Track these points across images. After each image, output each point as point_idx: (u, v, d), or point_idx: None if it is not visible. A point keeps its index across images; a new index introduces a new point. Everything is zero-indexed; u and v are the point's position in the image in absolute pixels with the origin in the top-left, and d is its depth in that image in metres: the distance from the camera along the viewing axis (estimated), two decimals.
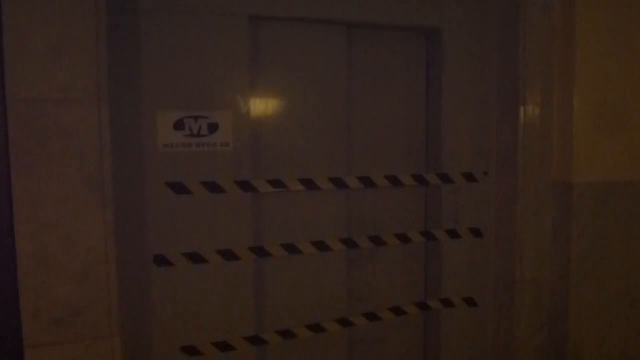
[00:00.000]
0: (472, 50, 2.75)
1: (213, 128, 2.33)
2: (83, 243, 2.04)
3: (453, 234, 2.78)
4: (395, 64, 2.72)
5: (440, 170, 2.74)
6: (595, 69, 2.77)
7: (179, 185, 2.30)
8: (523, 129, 2.75)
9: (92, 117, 1.98)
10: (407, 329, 2.89)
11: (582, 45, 2.71)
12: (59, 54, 1.90)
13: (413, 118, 2.78)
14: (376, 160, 2.70)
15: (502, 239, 2.85)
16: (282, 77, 2.49)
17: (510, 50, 2.73)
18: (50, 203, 1.95)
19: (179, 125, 2.29)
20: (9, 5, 1.86)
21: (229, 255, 2.39)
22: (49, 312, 2.02)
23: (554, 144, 2.79)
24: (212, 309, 2.41)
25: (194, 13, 2.27)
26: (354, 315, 2.69)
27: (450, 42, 2.70)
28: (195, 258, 2.35)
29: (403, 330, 2.87)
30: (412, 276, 2.87)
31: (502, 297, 2.89)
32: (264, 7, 2.36)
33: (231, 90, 2.34)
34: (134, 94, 2.22)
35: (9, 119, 1.90)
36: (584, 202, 2.78)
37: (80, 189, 1.98)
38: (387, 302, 2.79)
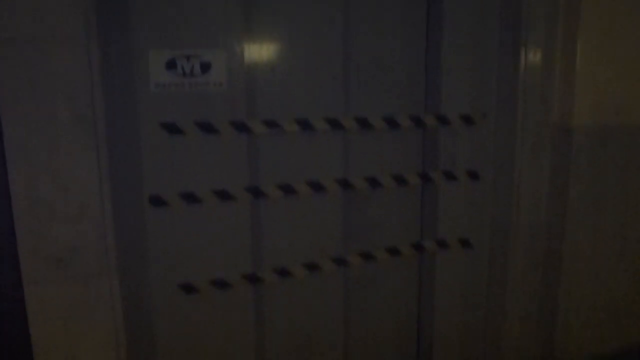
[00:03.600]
0: None
1: (205, 67, 2.29)
2: (77, 183, 2.05)
3: (450, 176, 2.77)
4: (394, 3, 2.64)
5: (438, 112, 2.71)
6: (600, 11, 2.68)
7: (173, 126, 2.28)
8: (524, 71, 2.70)
9: (81, 57, 1.95)
10: (402, 269, 2.93)
11: None
12: None
13: (412, 59, 2.72)
14: (373, 102, 2.66)
15: (499, 182, 2.85)
16: (277, 16, 2.42)
17: None
18: (41, 144, 1.96)
19: (171, 65, 2.25)
20: None
21: (224, 195, 2.40)
22: (46, 251, 2.06)
23: (555, 87, 2.74)
24: (209, 247, 2.44)
25: None
26: (350, 254, 2.73)
27: None
28: (191, 198, 2.36)
29: (398, 270, 2.91)
30: (408, 217, 2.88)
31: (498, 239, 2.91)
32: None
33: (224, 28, 2.29)
34: (125, 32, 2.17)
35: None
36: (583, 146, 2.76)
37: (71, 129, 1.98)
38: (383, 242, 2.82)
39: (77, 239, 2.09)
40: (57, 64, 1.93)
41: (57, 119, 1.96)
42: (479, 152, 2.82)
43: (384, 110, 2.67)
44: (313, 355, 2.78)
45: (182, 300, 2.43)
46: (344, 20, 2.52)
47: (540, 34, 2.67)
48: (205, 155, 2.36)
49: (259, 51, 2.41)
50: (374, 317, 2.93)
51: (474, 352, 3.07)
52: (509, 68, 2.73)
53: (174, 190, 2.34)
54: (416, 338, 3.09)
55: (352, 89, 2.61)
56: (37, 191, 1.99)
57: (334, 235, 2.68)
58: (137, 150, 2.27)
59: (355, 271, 2.80)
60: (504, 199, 2.83)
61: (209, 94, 2.32)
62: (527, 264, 2.91)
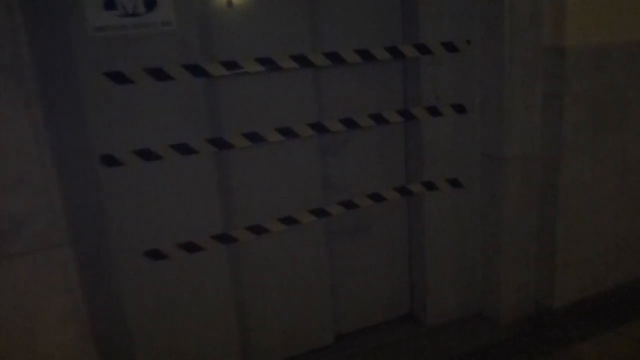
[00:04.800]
0: None
1: (150, 4, 2.01)
2: (10, 146, 1.79)
3: (434, 111, 2.53)
4: None
5: (417, 41, 2.44)
6: None
7: (119, 75, 2.01)
8: None
9: None
10: (389, 216, 2.72)
11: None
12: None
13: None
14: (344, 34, 2.39)
15: (488, 113, 2.62)
16: None
17: None
18: None
19: (109, 4, 1.97)
20: None
21: (185, 149, 2.16)
22: None
23: (545, 5, 2.47)
24: (173, 208, 2.21)
25: None
26: (330, 204, 2.51)
27: None
28: (148, 155, 2.12)
29: (384, 217, 2.71)
30: (391, 160, 2.66)
31: (489, 176, 2.70)
32: None
33: None
34: None
35: None
36: (578, 67, 2.52)
37: None
38: (365, 188, 2.61)
39: (19, 208, 1.85)
40: None
41: None
42: (464, 83, 2.58)
43: (357, 42, 2.40)
44: (299, 316, 2.59)
45: (150, 268, 2.22)
46: None
47: None
48: (160, 105, 2.10)
49: None
50: (362, 270, 2.74)
51: (471, 298, 2.90)
52: None
53: (128, 147, 2.09)
54: (409, 288, 2.91)
55: (320, 21, 2.34)
56: None
57: (311, 185, 2.46)
58: (81, 104, 2.00)
59: (338, 222, 2.59)
60: (494, 132, 2.60)
61: (157, 35, 2.04)
62: (521, 200, 2.70)
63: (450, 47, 2.48)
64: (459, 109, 2.58)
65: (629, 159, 2.81)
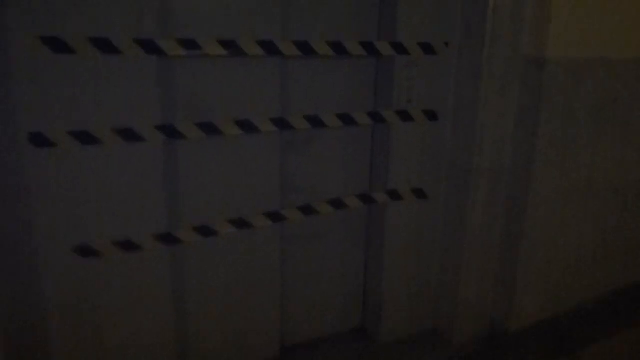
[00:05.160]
0: None
1: None
2: None
3: (405, 116, 2.36)
4: None
5: (394, 39, 2.26)
6: None
7: (58, 42, 1.74)
8: None
9: None
10: (348, 223, 2.53)
11: None
12: None
13: None
14: (317, 22, 2.19)
15: (460, 121, 2.47)
16: None
17: None
18: None
19: None
20: None
21: (129, 135, 1.90)
22: None
23: (528, 13, 2.34)
24: (111, 201, 1.95)
25: None
26: (288, 208, 2.30)
27: None
28: (86, 138, 1.85)
29: (343, 223, 2.52)
30: (356, 164, 2.47)
31: (456, 188, 2.55)
32: None
33: None
34: None
35: None
36: (557, 81, 2.40)
37: None
38: (327, 192, 2.41)
39: None
40: None
41: None
42: (438, 88, 2.42)
43: (330, 33, 2.20)
44: (244, 325, 2.37)
45: (80, 267, 1.94)
46: None
47: None
48: (104, 81, 1.84)
49: None
50: (314, 278, 2.54)
51: (426, 314, 2.75)
52: None
53: (64, 127, 1.82)
54: (363, 301, 2.73)
55: (293, 5, 2.12)
56: None
57: (268, 185, 2.24)
58: (8, 71, 1.71)
59: (293, 228, 2.38)
60: (465, 142, 2.46)
61: (107, 1, 1.78)
62: (486, 215, 2.57)
63: (427, 48, 2.32)
64: (431, 115, 2.42)
65: (596, 176, 2.72)
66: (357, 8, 2.26)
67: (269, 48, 2.05)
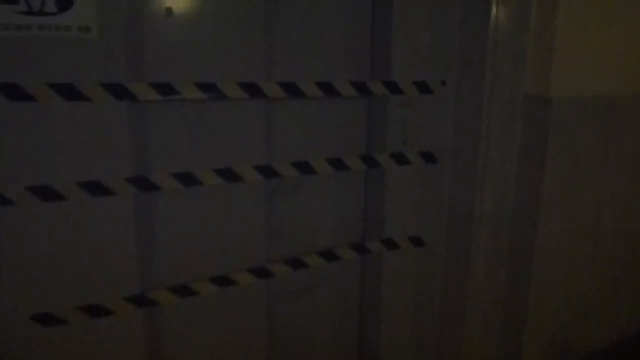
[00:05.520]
0: None
1: (64, 2, 1.57)
2: None
3: (400, 159, 2.19)
4: None
5: (388, 78, 2.10)
6: None
7: (15, 88, 1.56)
8: (494, 30, 2.13)
9: None
10: (342, 277, 2.34)
11: None
12: None
13: (356, 10, 2.11)
14: (305, 62, 2.03)
15: (460, 164, 2.30)
16: None
17: None
18: None
19: None
20: None
21: (97, 189, 1.71)
22: None
23: (530, 50, 2.19)
24: (77, 262, 1.75)
25: None
26: (274, 262, 2.10)
27: None
28: (48, 193, 1.65)
29: (336, 278, 2.33)
30: (349, 211, 2.29)
31: (456, 234, 2.38)
32: None
33: None
34: None
35: None
36: (561, 120, 2.24)
37: None
38: (317, 243, 2.22)
39: None
40: None
41: None
42: (436, 129, 2.26)
43: (319, 74, 2.03)
44: None
45: (41, 337, 1.73)
46: None
47: None
48: (69, 131, 1.66)
49: None
50: (305, 337, 2.33)
51: None
52: (476, 25, 2.16)
53: (22, 182, 1.62)
54: (357, 352, 2.52)
55: (278, 45, 1.96)
56: None
57: (253, 239, 2.05)
58: None
59: (281, 283, 2.18)
60: (466, 186, 2.29)
61: (72, 43, 1.61)
62: (490, 262, 2.39)
63: (423, 87, 2.16)
64: (429, 158, 2.25)
65: (604, 218, 2.55)
66: (348, 46, 2.11)
67: (252, 90, 1.88)
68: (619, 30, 2.32)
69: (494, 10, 2.10)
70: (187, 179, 1.84)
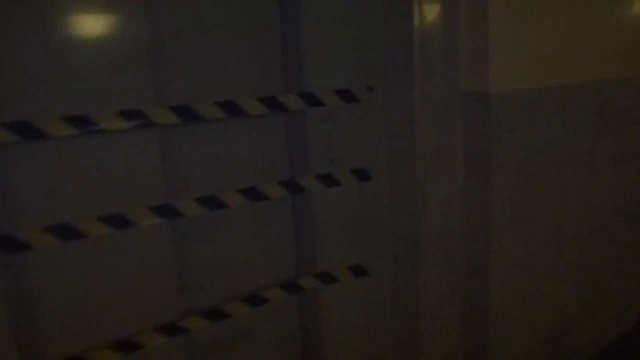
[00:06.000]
0: None
1: None
2: None
3: (328, 179, 1.90)
4: None
5: (303, 89, 1.81)
6: None
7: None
8: (419, 26, 1.86)
9: None
10: (273, 322, 2.03)
11: None
12: None
13: (260, 14, 1.82)
14: (201, 81, 1.72)
15: (397, 180, 2.02)
16: None
17: None
18: None
19: None
20: None
21: None
22: None
23: (463, 45, 1.94)
24: None
25: None
26: (188, 316, 1.79)
27: None
28: None
29: (266, 324, 2.02)
30: (277, 246, 1.99)
31: (402, 258, 2.09)
32: None
33: None
34: None
35: None
36: (507, 119, 1.99)
37: None
38: (239, 288, 1.91)
39: None
40: None
41: None
42: (367, 141, 1.99)
43: (219, 92, 1.73)
44: None
45: None
46: None
47: None
48: None
49: None
50: None
51: None
52: (400, 24, 1.89)
53: None
54: None
55: (166, 63, 1.66)
56: None
57: (158, 293, 1.73)
58: None
59: (201, 336, 1.86)
60: (406, 204, 2.02)
61: None
62: (443, 285, 2.12)
63: (346, 95, 1.88)
64: (362, 175, 1.97)
65: (565, 219, 2.30)
66: (254, 58, 1.81)
67: (140, 117, 1.56)
68: (564, 14, 2.08)
69: (417, 5, 1.83)
70: (64, 231, 1.51)
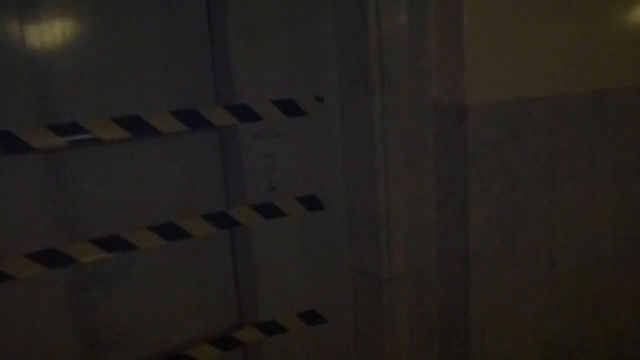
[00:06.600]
0: None
1: None
2: None
3: (269, 210, 1.55)
4: None
5: (233, 99, 1.47)
6: None
7: None
8: (376, 26, 1.52)
9: None
10: None
11: None
12: None
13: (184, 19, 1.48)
14: (97, 95, 1.38)
15: (356, 210, 1.68)
16: None
17: None
18: None
19: None
20: None
21: None
22: None
23: (432, 47, 1.60)
24: None
25: None
26: None
27: None
28: None
29: None
30: (208, 293, 1.64)
31: (366, 302, 1.74)
32: None
33: None
34: None
35: None
36: (488, 133, 1.64)
37: None
38: (159, 345, 1.55)
39: None
40: None
41: None
42: (318, 163, 1.63)
43: (120, 107, 1.39)
44: None
45: None
46: None
47: None
48: None
49: None
50: None
51: None
52: (352, 21, 1.55)
53: None
54: None
55: (49, 77, 1.32)
56: None
57: (55, 348, 1.37)
58: None
59: None
60: (367, 239, 1.66)
61: None
62: (415, 335, 1.76)
63: (290, 107, 1.54)
64: (312, 203, 1.62)
65: (559, 250, 1.95)
66: (176, 65, 1.47)
67: (24, 147, 1.22)
68: (559, 13, 1.74)
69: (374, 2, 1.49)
70: None
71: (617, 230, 2.06)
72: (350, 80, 1.61)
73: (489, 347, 1.82)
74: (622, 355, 2.29)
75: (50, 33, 1.31)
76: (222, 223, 1.52)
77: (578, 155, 1.90)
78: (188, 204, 1.52)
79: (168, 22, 1.46)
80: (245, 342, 1.62)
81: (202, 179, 1.57)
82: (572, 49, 1.79)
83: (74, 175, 1.37)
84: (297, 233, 1.63)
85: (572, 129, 1.84)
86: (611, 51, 1.90)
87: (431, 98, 1.65)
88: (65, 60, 1.33)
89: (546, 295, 1.94)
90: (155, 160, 1.47)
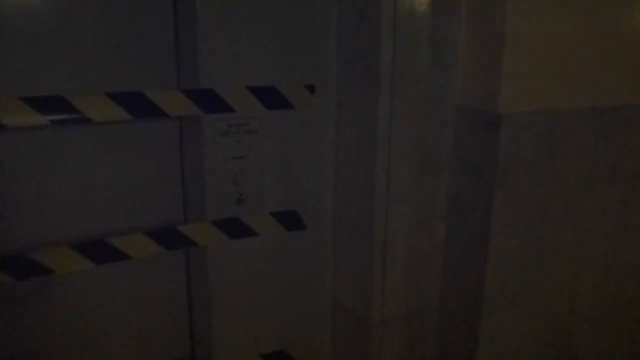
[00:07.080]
0: None
1: None
2: None
3: (233, 228, 1.20)
4: None
5: (196, 84, 1.10)
6: None
7: None
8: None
9: None
10: None
11: None
12: None
13: None
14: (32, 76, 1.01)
15: (347, 232, 1.33)
16: None
17: None
18: None
19: None
20: None
21: None
22: None
23: (462, 42, 1.25)
24: None
25: None
26: None
27: None
28: None
29: None
30: (148, 324, 1.28)
31: (348, 344, 1.41)
32: None
33: None
34: None
35: None
36: (522, 150, 1.29)
37: None
38: None
39: None
40: None
41: None
42: (301, 168, 1.27)
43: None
44: None
45: None
46: None
47: None
48: None
49: None
50: None
51: None
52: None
53: None
54: None
55: None
56: None
57: None
58: None
59: None
60: (358, 266, 1.32)
61: None
62: None
63: (271, 97, 1.17)
64: (290, 220, 1.27)
65: (581, 304, 1.61)
66: (124, 43, 1.10)
67: None
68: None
69: None
70: None
71: None
72: (351, 68, 1.25)
73: None
74: None
75: None
76: (171, 242, 1.16)
77: (618, 179, 1.55)
78: (126, 215, 1.16)
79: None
80: None
81: (151, 184, 1.20)
82: (622, 55, 1.44)
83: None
84: (269, 256, 1.29)
85: (617, 148, 1.50)
86: None
87: (452, 99, 1.29)
88: None
89: (561, 347, 1.62)
90: (88, 154, 1.10)
